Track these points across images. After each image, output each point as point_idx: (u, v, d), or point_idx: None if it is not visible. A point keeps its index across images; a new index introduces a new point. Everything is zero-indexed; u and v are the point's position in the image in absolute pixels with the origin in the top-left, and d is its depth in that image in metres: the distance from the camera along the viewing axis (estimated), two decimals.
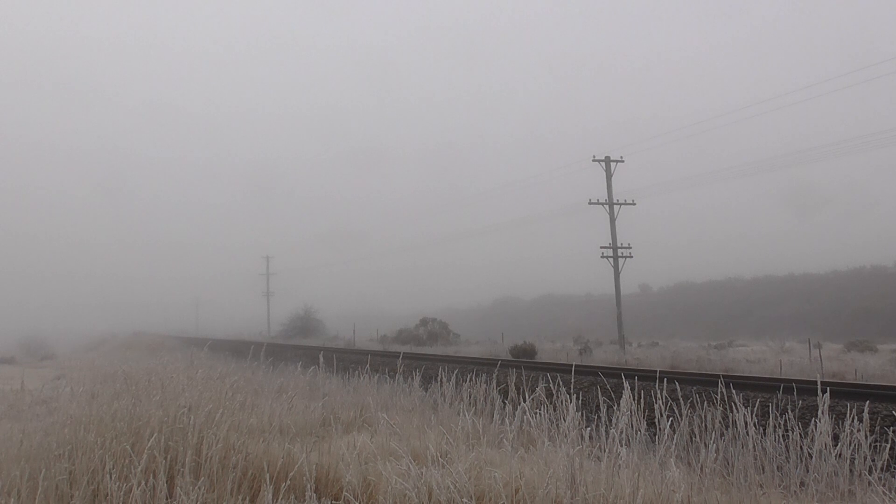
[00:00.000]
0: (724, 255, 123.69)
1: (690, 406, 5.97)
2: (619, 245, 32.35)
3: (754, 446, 5.22)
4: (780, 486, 5.11)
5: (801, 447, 5.27)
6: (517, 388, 8.02)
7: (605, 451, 4.80)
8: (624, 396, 5.33)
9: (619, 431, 4.94)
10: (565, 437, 4.75)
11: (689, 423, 5.74)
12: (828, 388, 5.56)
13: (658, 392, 5.84)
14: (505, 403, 7.26)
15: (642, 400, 5.93)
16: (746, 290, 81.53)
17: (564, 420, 5.14)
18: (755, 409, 5.75)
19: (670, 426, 5.30)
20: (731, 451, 5.26)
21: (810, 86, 67.76)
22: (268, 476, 4.21)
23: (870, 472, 4.86)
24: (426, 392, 9.45)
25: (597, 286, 77.80)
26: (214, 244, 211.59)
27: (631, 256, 32.39)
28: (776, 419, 5.67)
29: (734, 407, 5.52)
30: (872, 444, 5.12)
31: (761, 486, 4.95)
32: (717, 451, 5.01)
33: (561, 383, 6.81)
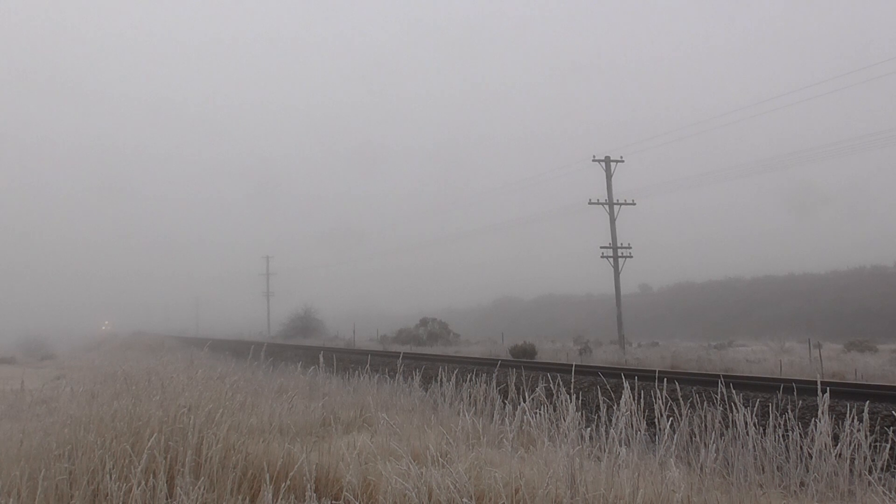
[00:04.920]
0: (724, 255, 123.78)
1: (690, 406, 5.97)
2: (619, 245, 32.35)
3: (754, 446, 5.22)
4: (780, 486, 5.11)
5: (801, 447, 5.27)
6: (517, 388, 8.01)
7: (605, 451, 4.80)
8: (624, 396, 5.32)
9: (619, 431, 4.94)
10: (565, 437, 4.75)
11: (689, 423, 5.74)
12: (828, 388, 5.55)
13: (658, 392, 5.84)
14: (505, 403, 7.26)
15: (642, 400, 5.93)
16: (746, 290, 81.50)
17: (564, 420, 5.13)
18: (755, 409, 5.75)
19: (670, 426, 5.30)
20: (731, 451, 5.26)
21: (810, 86, 67.80)
22: (268, 476, 4.21)
23: (870, 472, 4.86)
24: (426, 392, 9.44)
25: (597, 286, 77.78)
26: (215, 243, 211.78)
27: (631, 256, 32.40)
28: (776, 419, 5.67)
29: (734, 407, 5.52)
30: (872, 444, 5.11)
31: (761, 486, 4.95)
32: (717, 451, 5.00)
33: (561, 383, 6.80)
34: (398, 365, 10.85)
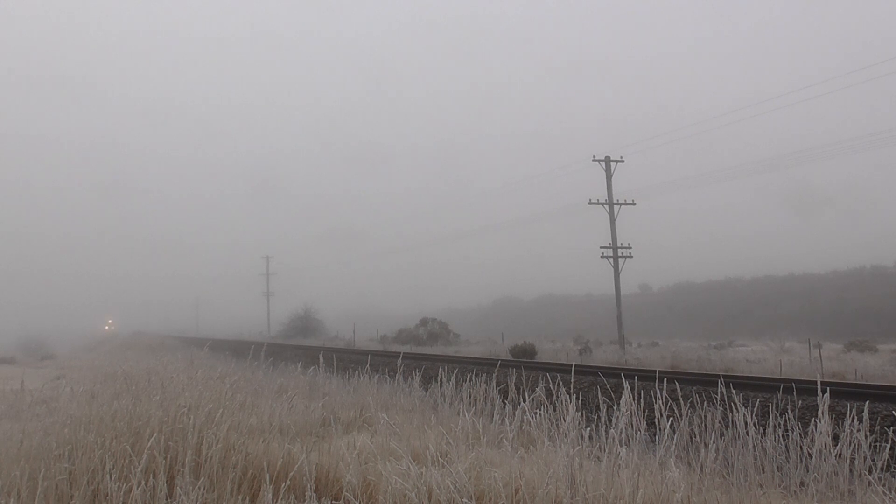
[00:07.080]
0: (724, 255, 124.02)
1: (690, 406, 5.97)
2: (619, 245, 32.35)
3: (754, 446, 5.21)
4: (780, 486, 5.11)
5: (801, 447, 5.27)
6: (517, 388, 8.01)
7: (605, 451, 4.79)
8: (624, 396, 5.32)
9: (619, 431, 4.94)
10: (565, 437, 4.74)
11: (689, 423, 5.74)
12: (828, 388, 5.55)
13: (658, 392, 5.84)
14: (505, 403, 7.26)
15: (642, 400, 5.93)
16: (746, 290, 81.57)
17: (564, 420, 5.13)
18: (755, 409, 5.75)
19: (670, 426, 5.30)
20: (731, 451, 5.26)
21: (810, 86, 67.76)
22: (268, 476, 4.21)
23: (870, 472, 4.86)
24: (426, 392, 9.44)
25: (597, 286, 77.89)
26: (215, 243, 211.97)
27: (631, 256, 32.40)
28: (776, 419, 5.67)
29: (734, 407, 5.52)
30: (872, 444, 5.11)
31: (761, 486, 4.95)
32: (717, 451, 5.00)
33: (561, 383, 6.80)
34: (398, 365, 10.85)
